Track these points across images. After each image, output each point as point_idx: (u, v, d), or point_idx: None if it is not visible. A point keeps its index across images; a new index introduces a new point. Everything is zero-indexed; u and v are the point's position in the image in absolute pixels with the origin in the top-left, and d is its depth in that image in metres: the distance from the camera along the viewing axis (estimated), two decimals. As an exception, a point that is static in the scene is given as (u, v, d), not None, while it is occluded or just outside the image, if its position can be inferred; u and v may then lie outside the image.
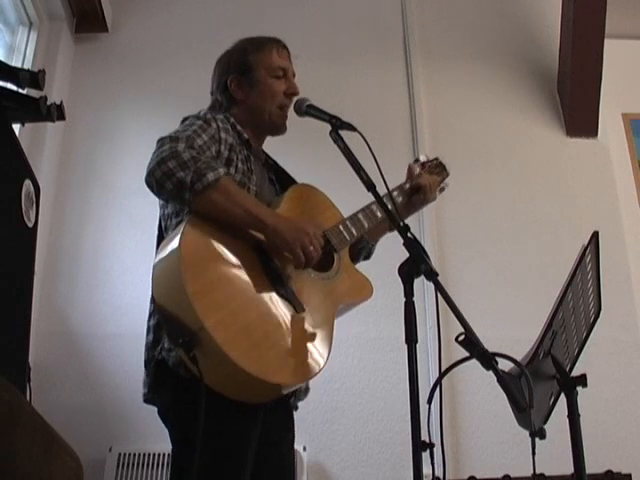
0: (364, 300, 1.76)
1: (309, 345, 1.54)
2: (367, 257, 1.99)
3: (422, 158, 2.13)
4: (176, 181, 1.48)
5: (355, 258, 1.94)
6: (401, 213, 1.88)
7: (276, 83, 1.86)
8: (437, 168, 2.11)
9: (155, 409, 1.65)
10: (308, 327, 1.56)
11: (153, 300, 1.54)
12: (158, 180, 1.50)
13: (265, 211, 1.59)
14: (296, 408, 1.77)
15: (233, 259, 1.52)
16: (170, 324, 1.45)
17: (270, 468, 1.66)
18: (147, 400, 1.63)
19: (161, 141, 1.58)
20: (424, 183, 1.98)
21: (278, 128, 1.88)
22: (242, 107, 1.86)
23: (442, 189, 2.12)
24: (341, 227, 1.77)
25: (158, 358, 1.56)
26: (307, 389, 1.79)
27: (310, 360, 1.51)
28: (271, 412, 1.63)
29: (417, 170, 2.05)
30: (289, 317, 1.54)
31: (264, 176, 1.87)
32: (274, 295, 1.54)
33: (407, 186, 1.99)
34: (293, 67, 1.92)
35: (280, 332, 1.50)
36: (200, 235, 1.50)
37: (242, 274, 1.52)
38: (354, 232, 1.79)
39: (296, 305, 1.56)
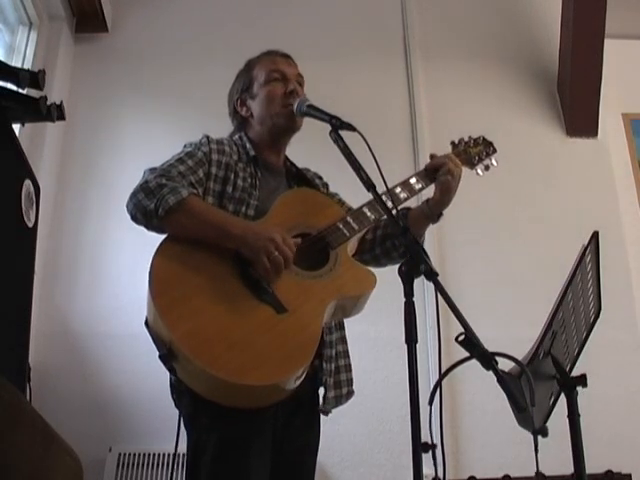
0: (366, 291, 1.71)
1: (290, 344, 1.53)
2: (403, 255, 1.84)
3: (464, 138, 2.07)
4: (144, 210, 1.60)
5: (384, 256, 1.90)
6: (434, 200, 1.85)
7: (274, 87, 1.87)
8: (478, 146, 2.07)
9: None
10: (291, 327, 1.55)
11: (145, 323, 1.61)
12: (131, 212, 1.64)
13: (232, 223, 1.63)
14: (326, 413, 1.74)
15: (205, 273, 1.58)
16: (154, 341, 1.52)
17: (287, 473, 1.67)
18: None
19: (143, 173, 1.69)
20: (440, 160, 1.88)
21: (288, 126, 1.87)
22: (251, 122, 1.91)
23: (487, 167, 2.07)
24: (340, 224, 1.76)
25: (170, 375, 1.63)
26: (349, 393, 1.77)
27: (290, 358, 1.51)
28: (289, 415, 1.65)
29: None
30: (268, 320, 1.54)
31: (280, 187, 1.86)
32: (252, 300, 1.55)
33: (425, 170, 1.91)
34: (298, 70, 1.94)
35: (256, 335, 1.51)
36: (170, 255, 1.59)
37: (216, 285, 1.56)
38: (355, 227, 1.76)
39: (277, 307, 1.56)
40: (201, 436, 1.56)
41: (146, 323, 1.56)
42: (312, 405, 1.72)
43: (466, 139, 2.08)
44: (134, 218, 1.64)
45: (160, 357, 1.47)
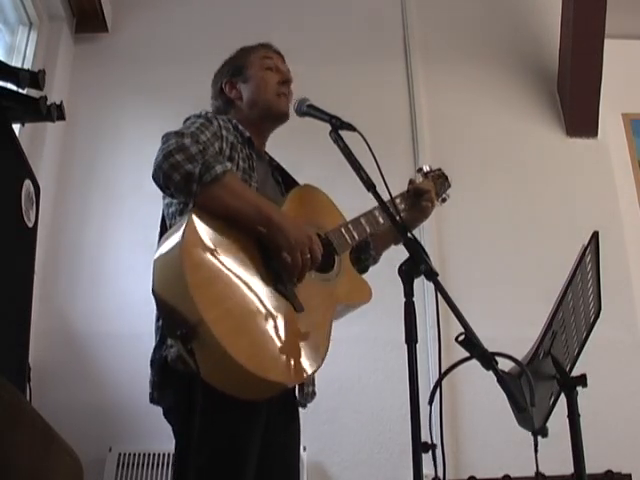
0: (362, 303, 1.76)
1: (306, 345, 1.53)
2: (364, 270, 1.97)
3: (425, 168, 2.15)
4: (184, 173, 1.49)
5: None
6: (408, 219, 1.91)
7: (269, 74, 1.89)
8: (439, 178, 2.15)
9: (156, 409, 1.65)
10: (306, 327, 1.55)
11: (154, 293, 1.49)
12: (165, 172, 1.50)
13: (271, 207, 1.59)
14: (304, 406, 1.74)
15: (236, 254, 1.52)
16: (169, 316, 1.44)
17: (275, 471, 1.66)
18: (152, 400, 1.63)
19: (166, 136, 1.59)
20: (425, 186, 2.01)
21: (278, 114, 1.88)
22: (239, 106, 1.90)
23: (444, 199, 2.16)
24: (343, 230, 1.78)
25: (163, 355, 1.56)
26: (314, 393, 1.76)
27: (306, 360, 1.51)
28: (276, 414, 1.63)
29: (419, 178, 2.10)
30: (287, 316, 1.53)
31: (268, 175, 1.87)
32: (274, 293, 1.54)
33: (407, 192, 2.01)
34: (288, 66, 1.96)
35: (277, 330, 1.50)
36: (203, 228, 1.49)
37: (244, 269, 1.51)
38: (356, 236, 1.79)
39: (295, 304, 1.55)
40: (193, 437, 1.47)
41: (157, 297, 1.44)
42: (292, 400, 1.71)
43: (427, 168, 2.15)
44: (168, 179, 1.49)
45: (179, 336, 1.37)
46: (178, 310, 1.40)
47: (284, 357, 1.48)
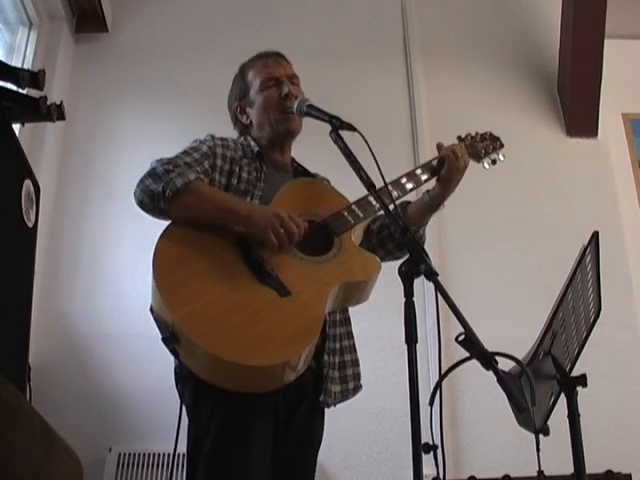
0: (370, 277, 1.69)
1: (293, 327, 1.53)
2: (400, 247, 1.89)
3: (472, 133, 2.09)
4: (151, 194, 1.63)
5: (380, 247, 1.91)
6: (436, 192, 1.88)
7: (270, 93, 1.89)
8: (484, 141, 2.10)
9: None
10: (293, 310, 1.56)
11: (150, 311, 1.61)
12: (138, 197, 1.66)
13: (238, 203, 1.68)
14: (327, 406, 1.73)
15: (209, 256, 1.60)
16: (157, 325, 1.54)
17: (289, 470, 1.67)
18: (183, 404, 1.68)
19: (150, 165, 1.71)
20: (446, 152, 1.89)
21: (287, 131, 1.89)
22: (252, 128, 1.95)
23: (494, 161, 2.10)
24: (344, 212, 1.77)
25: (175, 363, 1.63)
26: (356, 387, 1.76)
27: (292, 340, 1.51)
28: (292, 411, 1.65)
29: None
30: (270, 302, 1.55)
31: (285, 182, 1.86)
32: (255, 283, 1.57)
33: (434, 162, 1.93)
34: (292, 70, 1.95)
35: (258, 317, 1.52)
36: (175, 238, 1.61)
37: (219, 268, 1.58)
38: (360, 214, 1.77)
39: (280, 290, 1.57)
40: (201, 427, 1.57)
41: (151, 309, 1.58)
42: (315, 400, 1.71)
43: (473, 134, 2.10)
44: (141, 203, 1.65)
45: (163, 340, 1.49)
46: (160, 317, 1.53)
47: (267, 341, 1.49)
